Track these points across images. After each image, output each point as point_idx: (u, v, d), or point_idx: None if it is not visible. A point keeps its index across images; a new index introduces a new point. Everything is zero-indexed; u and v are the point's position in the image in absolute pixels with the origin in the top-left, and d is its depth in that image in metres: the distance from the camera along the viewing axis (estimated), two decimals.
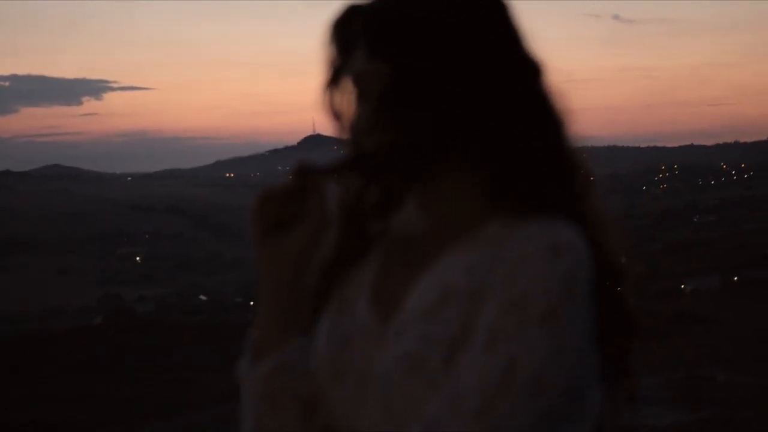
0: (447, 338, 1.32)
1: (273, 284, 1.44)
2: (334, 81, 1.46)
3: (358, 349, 1.42)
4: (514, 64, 1.40)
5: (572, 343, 1.28)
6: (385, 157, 1.40)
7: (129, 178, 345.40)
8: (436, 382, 1.30)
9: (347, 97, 1.46)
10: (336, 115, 1.47)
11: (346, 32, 1.43)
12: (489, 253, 1.36)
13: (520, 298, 1.27)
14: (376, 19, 1.40)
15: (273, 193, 1.45)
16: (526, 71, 1.41)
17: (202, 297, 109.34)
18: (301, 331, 1.45)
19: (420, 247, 1.45)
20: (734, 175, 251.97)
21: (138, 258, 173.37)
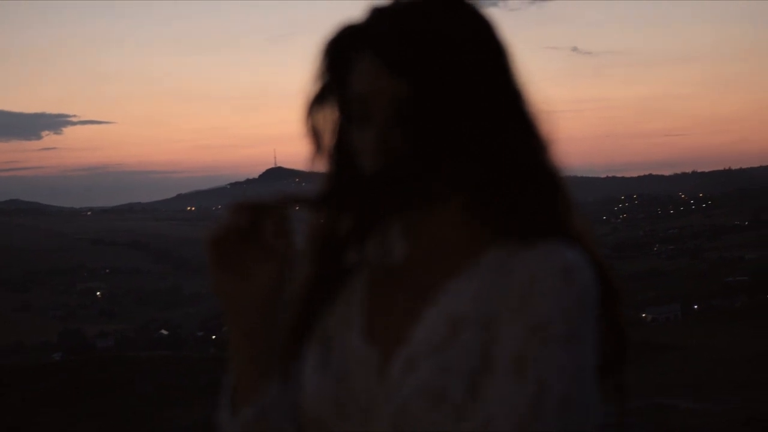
0: (466, 367, 1.31)
1: (242, 330, 1.40)
2: (320, 99, 1.42)
3: (357, 383, 1.40)
4: (512, 86, 1.40)
5: (591, 361, 1.30)
6: (391, 178, 1.36)
7: (89, 213, 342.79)
8: (460, 412, 1.30)
9: (331, 116, 1.43)
10: (317, 135, 1.44)
11: (345, 51, 1.40)
12: (495, 280, 1.35)
13: (541, 323, 1.28)
14: (392, 38, 1.36)
15: (223, 232, 1.36)
16: (519, 94, 1.41)
17: (163, 331, 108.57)
18: (278, 372, 1.42)
19: (411, 277, 1.43)
20: (693, 204, 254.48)
21: (98, 293, 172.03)
